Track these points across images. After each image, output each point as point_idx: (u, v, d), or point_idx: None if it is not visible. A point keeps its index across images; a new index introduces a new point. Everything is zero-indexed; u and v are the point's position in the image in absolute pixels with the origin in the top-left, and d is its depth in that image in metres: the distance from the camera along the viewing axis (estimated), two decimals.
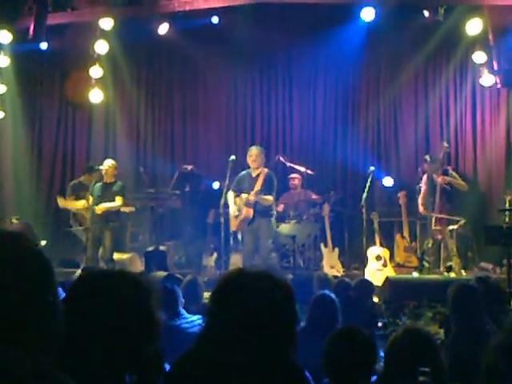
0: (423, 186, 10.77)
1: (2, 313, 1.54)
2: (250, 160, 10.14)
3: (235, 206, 10.03)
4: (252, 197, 9.78)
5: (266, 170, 10.17)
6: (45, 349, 1.60)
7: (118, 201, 10.35)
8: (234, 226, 10.25)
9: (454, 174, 10.76)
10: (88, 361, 1.85)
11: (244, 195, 9.92)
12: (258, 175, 10.04)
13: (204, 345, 2.59)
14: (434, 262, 10.49)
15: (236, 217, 10.04)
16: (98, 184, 10.46)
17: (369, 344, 3.42)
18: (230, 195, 10.13)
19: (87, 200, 10.41)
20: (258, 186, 9.87)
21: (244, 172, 10.28)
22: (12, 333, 1.55)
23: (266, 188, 9.91)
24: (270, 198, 9.92)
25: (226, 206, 10.27)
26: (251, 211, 9.87)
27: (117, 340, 1.89)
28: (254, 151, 10.22)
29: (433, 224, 10.45)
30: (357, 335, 3.43)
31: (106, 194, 10.33)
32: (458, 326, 4.81)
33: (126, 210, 11.20)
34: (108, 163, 10.56)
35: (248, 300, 2.48)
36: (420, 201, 10.73)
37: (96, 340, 1.87)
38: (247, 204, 9.88)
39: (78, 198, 10.90)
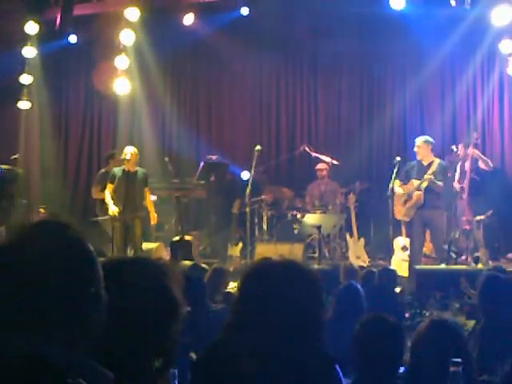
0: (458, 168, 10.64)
1: (41, 302, 1.54)
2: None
3: (404, 192, 10.07)
4: (428, 176, 9.77)
5: (438, 159, 10.21)
6: (82, 339, 1.60)
7: (148, 193, 10.38)
8: (400, 213, 10.22)
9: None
10: (116, 348, 1.85)
11: (415, 181, 9.97)
12: (430, 163, 10.07)
13: (231, 334, 2.59)
14: (461, 252, 10.42)
15: (404, 203, 10.06)
16: (119, 170, 10.30)
17: (397, 332, 3.38)
18: (396, 183, 10.19)
19: (109, 188, 10.26)
20: (432, 169, 9.91)
21: (414, 162, 10.34)
22: (50, 323, 1.55)
23: (439, 175, 9.93)
24: (440, 183, 9.94)
25: (253, 195, 10.31)
26: (422, 197, 9.90)
27: (141, 326, 1.90)
28: (417, 143, 10.24)
29: (460, 214, 10.38)
30: (385, 322, 3.40)
31: (131, 182, 10.17)
32: (487, 317, 4.76)
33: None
34: (131, 150, 10.27)
35: (275, 290, 2.48)
36: (456, 176, 10.60)
37: (122, 326, 1.88)
38: (419, 189, 9.92)
39: (102, 188, 10.77)
